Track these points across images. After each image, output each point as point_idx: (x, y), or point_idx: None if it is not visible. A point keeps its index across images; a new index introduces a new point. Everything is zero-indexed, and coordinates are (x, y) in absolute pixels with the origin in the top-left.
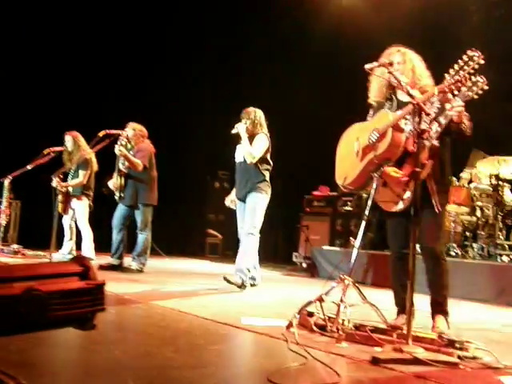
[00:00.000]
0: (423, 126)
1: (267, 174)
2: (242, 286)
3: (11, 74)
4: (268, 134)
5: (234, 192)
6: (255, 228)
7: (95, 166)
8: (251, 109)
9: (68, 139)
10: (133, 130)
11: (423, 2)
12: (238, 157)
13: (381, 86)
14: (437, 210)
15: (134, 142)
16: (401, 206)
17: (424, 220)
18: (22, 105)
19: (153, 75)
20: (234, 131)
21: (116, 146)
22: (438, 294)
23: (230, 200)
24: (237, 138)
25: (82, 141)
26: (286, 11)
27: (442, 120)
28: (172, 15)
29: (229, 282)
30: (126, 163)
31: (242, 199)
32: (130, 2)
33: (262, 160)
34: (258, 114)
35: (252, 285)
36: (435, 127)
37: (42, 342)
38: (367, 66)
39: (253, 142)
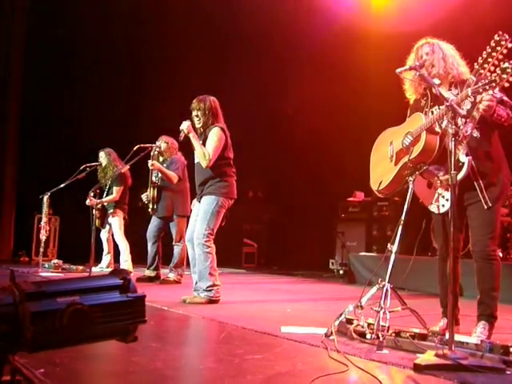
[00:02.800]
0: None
1: (226, 172)
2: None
3: (48, 91)
4: (223, 126)
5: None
6: (207, 236)
7: (129, 181)
8: (202, 97)
9: (102, 155)
10: (165, 143)
11: None
12: (196, 156)
13: (414, 85)
14: (486, 207)
15: (167, 155)
16: (446, 207)
17: (474, 218)
18: (59, 122)
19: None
20: (181, 136)
21: (149, 161)
22: (487, 296)
23: (193, 203)
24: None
25: (115, 157)
26: None
27: (475, 114)
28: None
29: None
30: (159, 175)
31: (199, 201)
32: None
33: (220, 158)
34: (210, 103)
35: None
36: (469, 126)
37: (85, 355)
38: (398, 70)
39: (206, 139)
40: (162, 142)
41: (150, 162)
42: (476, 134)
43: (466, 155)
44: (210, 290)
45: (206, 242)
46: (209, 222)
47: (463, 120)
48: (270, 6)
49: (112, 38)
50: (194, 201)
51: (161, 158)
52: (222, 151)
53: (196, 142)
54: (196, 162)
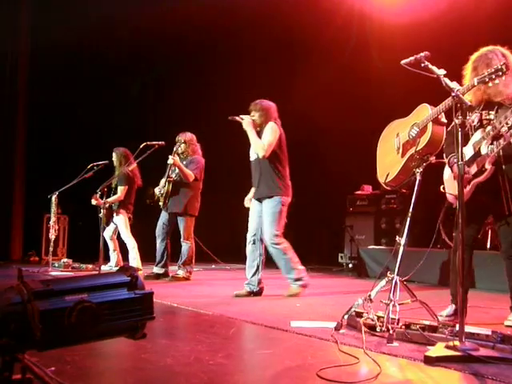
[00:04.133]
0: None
1: (282, 172)
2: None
3: (56, 90)
4: (279, 123)
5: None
6: (277, 237)
7: (138, 180)
8: (259, 101)
9: (114, 155)
10: (184, 143)
11: None
12: (251, 154)
13: (476, 94)
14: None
15: (188, 153)
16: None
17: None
18: (67, 122)
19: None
20: (233, 117)
21: (170, 156)
22: None
23: (248, 199)
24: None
25: (125, 156)
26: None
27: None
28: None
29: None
30: (177, 171)
31: (259, 200)
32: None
33: (275, 155)
34: (267, 106)
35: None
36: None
37: (95, 353)
38: (403, 62)
39: (262, 134)
40: (184, 142)
41: (170, 157)
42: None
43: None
44: (300, 278)
45: (277, 241)
46: (276, 223)
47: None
48: None
49: (126, 37)
50: (247, 198)
51: (182, 151)
52: (277, 147)
53: (252, 134)
54: (252, 159)
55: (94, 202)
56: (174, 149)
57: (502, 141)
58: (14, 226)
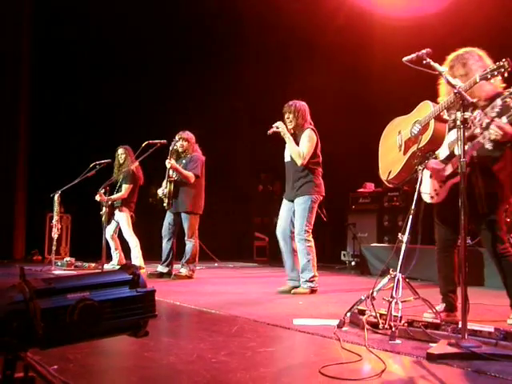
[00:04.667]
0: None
1: (316, 171)
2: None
3: (58, 89)
4: (314, 128)
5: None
6: (307, 232)
7: (141, 179)
8: (292, 102)
9: (120, 152)
10: (186, 141)
11: None
12: (286, 155)
13: (447, 89)
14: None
15: (188, 152)
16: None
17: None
18: (69, 121)
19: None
20: (271, 130)
21: (167, 160)
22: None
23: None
24: (279, 137)
25: (131, 155)
26: None
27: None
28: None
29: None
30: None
31: (291, 200)
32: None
33: (311, 157)
34: (301, 107)
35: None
36: (479, 113)
37: (98, 351)
38: (404, 59)
39: (300, 140)
40: (182, 141)
41: (167, 162)
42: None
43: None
44: (312, 281)
45: (307, 237)
46: (308, 219)
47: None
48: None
49: (126, 39)
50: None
51: (181, 150)
52: (314, 151)
53: (291, 142)
54: (287, 160)
55: (97, 197)
56: (170, 148)
57: (474, 142)
58: (16, 225)
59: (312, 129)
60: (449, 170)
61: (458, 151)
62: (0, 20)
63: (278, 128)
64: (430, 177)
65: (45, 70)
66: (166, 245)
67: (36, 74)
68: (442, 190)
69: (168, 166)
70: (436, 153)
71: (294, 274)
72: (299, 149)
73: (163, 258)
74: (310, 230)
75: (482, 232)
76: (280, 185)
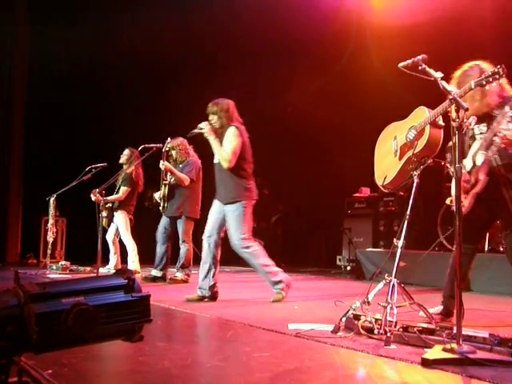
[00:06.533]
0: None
1: (244, 174)
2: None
3: (53, 92)
4: (240, 126)
5: None
6: (244, 240)
7: (141, 184)
8: (216, 101)
9: (124, 153)
10: (177, 146)
11: None
12: (215, 157)
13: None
14: None
15: (181, 159)
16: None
17: None
18: (64, 124)
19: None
20: (195, 131)
21: (160, 162)
22: None
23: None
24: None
25: (135, 158)
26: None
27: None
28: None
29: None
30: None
31: (220, 201)
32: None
33: (238, 160)
34: (224, 106)
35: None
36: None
37: (92, 355)
38: (400, 65)
39: (223, 140)
40: (172, 148)
41: (161, 163)
42: None
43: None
44: (279, 282)
45: (247, 244)
46: (242, 228)
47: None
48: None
49: (120, 41)
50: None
51: (174, 158)
52: (241, 152)
53: (215, 144)
54: (215, 162)
55: (93, 197)
56: (163, 150)
57: (490, 151)
58: (11, 228)
59: (236, 126)
60: (473, 180)
61: (479, 161)
62: None
63: (201, 129)
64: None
65: (42, 69)
66: (160, 248)
67: (30, 76)
68: (467, 200)
69: (162, 167)
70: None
71: (204, 283)
72: (223, 150)
73: (156, 262)
74: (248, 236)
75: (509, 238)
76: (275, 187)
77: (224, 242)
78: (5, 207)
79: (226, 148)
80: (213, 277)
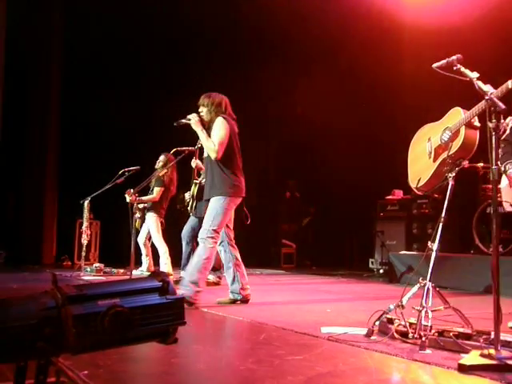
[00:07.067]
0: None
1: (232, 167)
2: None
3: (88, 95)
4: (229, 118)
5: None
6: (211, 231)
7: (174, 188)
8: (208, 93)
9: (160, 159)
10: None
11: None
12: (205, 151)
13: None
14: None
15: None
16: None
17: None
18: (99, 127)
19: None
20: (183, 121)
21: (193, 159)
22: None
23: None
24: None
25: (169, 163)
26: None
27: None
28: None
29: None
30: (203, 175)
31: (207, 200)
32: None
33: (225, 153)
34: (218, 100)
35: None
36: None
37: (127, 357)
38: (434, 65)
39: (211, 131)
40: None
41: (192, 161)
42: None
43: None
44: (189, 286)
45: (208, 237)
46: (217, 220)
47: None
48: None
49: (153, 45)
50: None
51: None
52: (229, 145)
53: (202, 136)
54: (204, 156)
55: (127, 197)
56: (195, 147)
57: None
58: (47, 231)
59: (224, 117)
60: None
61: None
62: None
63: (189, 120)
64: (510, 186)
65: (77, 74)
66: (185, 248)
67: (68, 79)
68: None
69: (193, 165)
70: None
71: (234, 286)
72: (210, 141)
73: (183, 263)
74: (215, 234)
75: None
76: (307, 190)
77: (251, 245)
78: (40, 210)
79: (214, 138)
80: (241, 279)
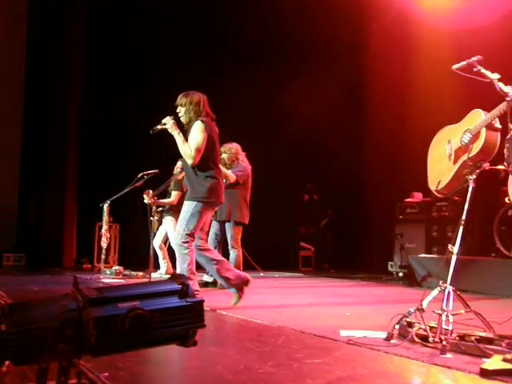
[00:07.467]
0: None
1: (210, 172)
2: None
3: (107, 98)
4: (208, 121)
5: None
6: (185, 236)
7: None
8: (185, 93)
9: (178, 164)
10: (228, 151)
11: None
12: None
13: None
14: None
15: (229, 163)
16: None
17: None
18: (118, 131)
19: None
20: (157, 127)
21: None
22: None
23: None
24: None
25: None
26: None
27: None
28: None
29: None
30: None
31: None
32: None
33: (203, 157)
34: (196, 99)
35: None
36: None
37: (147, 360)
38: (454, 67)
39: (189, 135)
40: (224, 152)
41: None
42: None
43: None
44: None
45: (183, 243)
46: (188, 224)
47: None
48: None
49: (173, 48)
50: None
51: (225, 162)
52: (207, 149)
53: (179, 140)
54: (183, 159)
55: (146, 199)
56: None
57: None
58: (66, 234)
59: (203, 121)
60: None
61: None
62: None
63: (164, 124)
64: None
65: (95, 79)
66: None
67: (87, 81)
68: None
69: None
70: None
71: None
72: (187, 146)
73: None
74: (191, 237)
75: None
76: (325, 193)
77: (270, 248)
78: (61, 214)
79: (190, 144)
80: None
